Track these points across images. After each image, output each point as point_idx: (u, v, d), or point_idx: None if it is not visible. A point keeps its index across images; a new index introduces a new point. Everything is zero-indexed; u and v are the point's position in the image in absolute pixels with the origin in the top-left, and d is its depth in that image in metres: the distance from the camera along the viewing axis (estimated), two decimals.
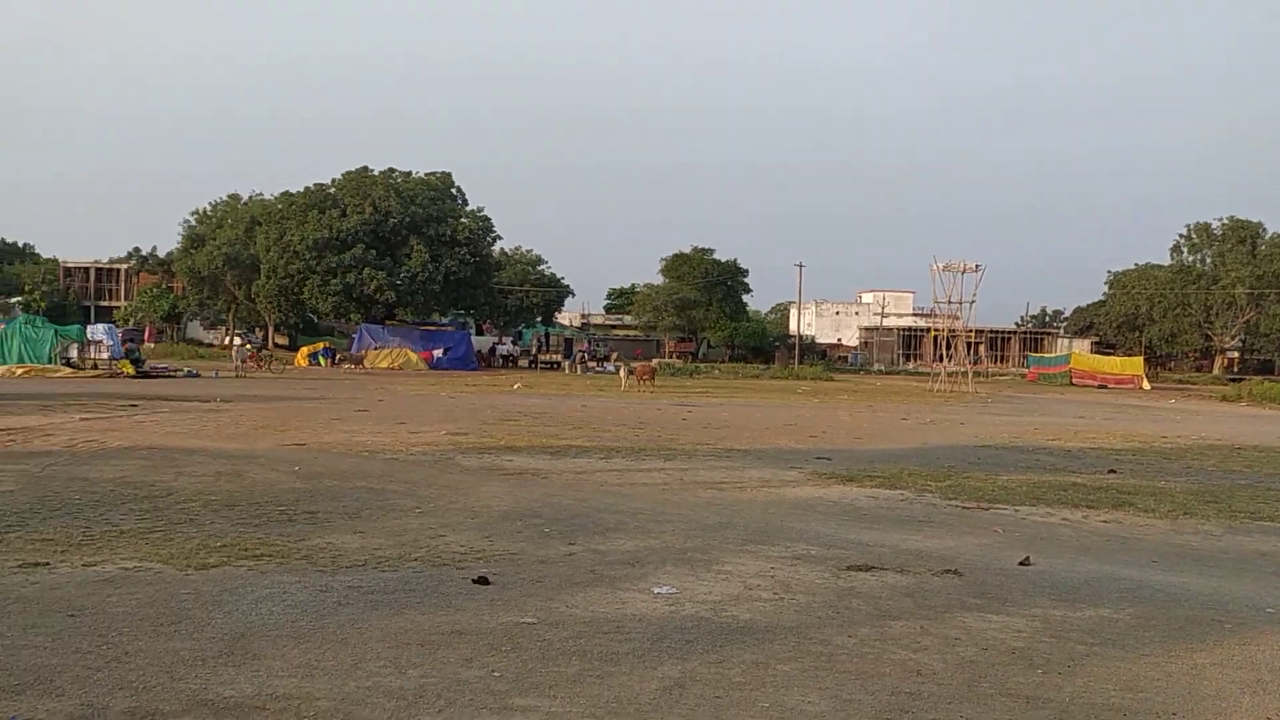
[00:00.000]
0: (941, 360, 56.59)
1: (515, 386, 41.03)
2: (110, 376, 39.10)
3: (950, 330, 56.43)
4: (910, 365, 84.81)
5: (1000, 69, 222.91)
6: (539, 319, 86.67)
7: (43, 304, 75.56)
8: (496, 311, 76.76)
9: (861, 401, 37.82)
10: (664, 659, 6.08)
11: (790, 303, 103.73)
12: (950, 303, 54.32)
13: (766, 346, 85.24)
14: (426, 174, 65.11)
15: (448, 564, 8.44)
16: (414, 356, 58.18)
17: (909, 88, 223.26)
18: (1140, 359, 69.54)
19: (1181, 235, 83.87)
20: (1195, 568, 9.52)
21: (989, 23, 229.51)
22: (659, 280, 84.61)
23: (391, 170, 64.48)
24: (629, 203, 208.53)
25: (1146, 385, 63.17)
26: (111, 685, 5.35)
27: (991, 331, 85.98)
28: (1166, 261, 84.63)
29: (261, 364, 50.41)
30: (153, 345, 64.88)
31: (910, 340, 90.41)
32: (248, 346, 53.89)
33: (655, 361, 59.23)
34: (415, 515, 10.72)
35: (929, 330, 74.13)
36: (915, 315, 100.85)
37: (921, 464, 17.02)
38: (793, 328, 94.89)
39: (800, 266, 79.04)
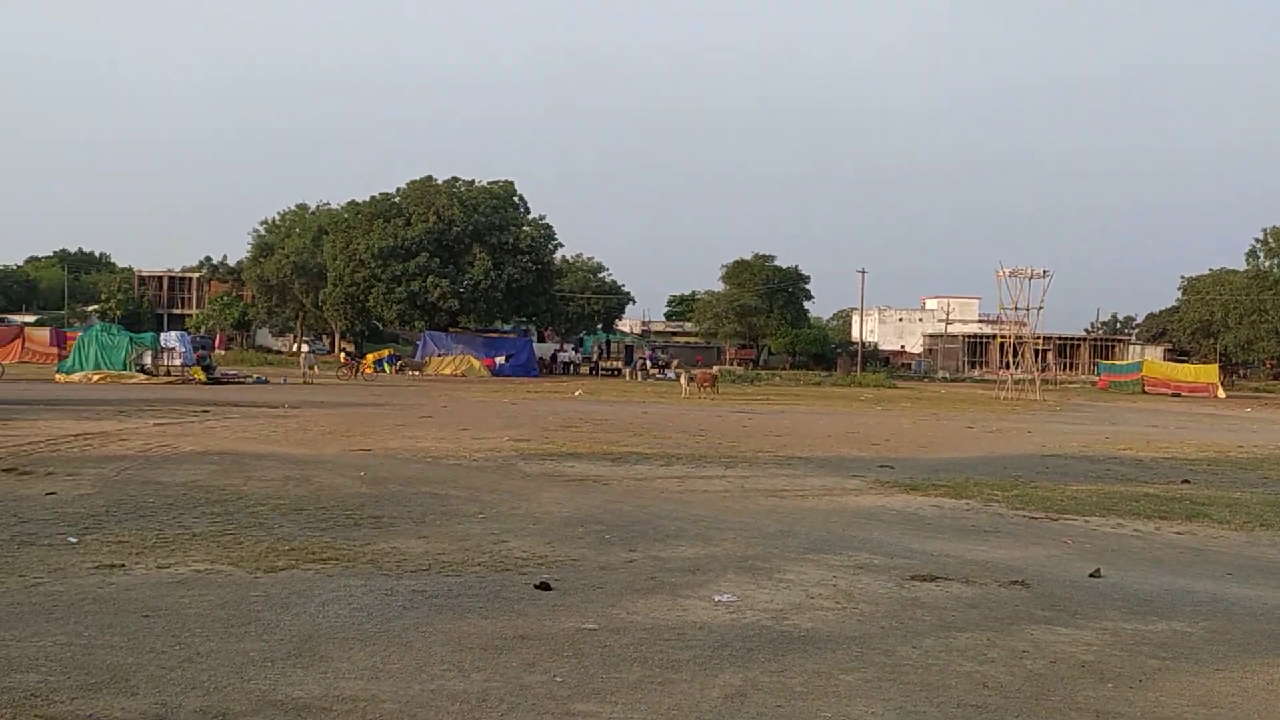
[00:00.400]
0: (1008, 368, 55.69)
1: (576, 393, 41.19)
2: (183, 383, 40.05)
3: (1017, 337, 55.52)
4: (976, 373, 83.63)
5: (1068, 56, 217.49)
6: (600, 326, 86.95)
7: (118, 312, 77.75)
8: (558, 319, 77.21)
9: (925, 409, 37.49)
10: (725, 667, 6.06)
11: (852, 309, 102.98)
12: (1017, 309, 53.48)
13: (828, 353, 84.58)
14: (489, 183, 65.81)
15: (510, 569, 8.47)
16: (477, 363, 58.83)
17: (970, 77, 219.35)
18: (1215, 367, 67.84)
19: (1258, 240, 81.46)
20: (1272, 581, 9.27)
21: (1056, 6, 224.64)
22: (720, 287, 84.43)
23: (455, 179, 65.27)
24: (690, 210, 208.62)
25: (1221, 394, 61.59)
26: (184, 685, 5.46)
27: (1060, 338, 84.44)
28: (1242, 266, 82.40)
29: (354, 371, 51.37)
30: (223, 352, 66.36)
31: (976, 347, 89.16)
32: (352, 355, 54.65)
33: (716, 368, 59.30)
34: (478, 520, 10.81)
35: (995, 337, 73.01)
36: (981, 322, 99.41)
37: (987, 473, 16.81)
38: (855, 334, 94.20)
39: (863, 273, 79.16)
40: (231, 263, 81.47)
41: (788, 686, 5.77)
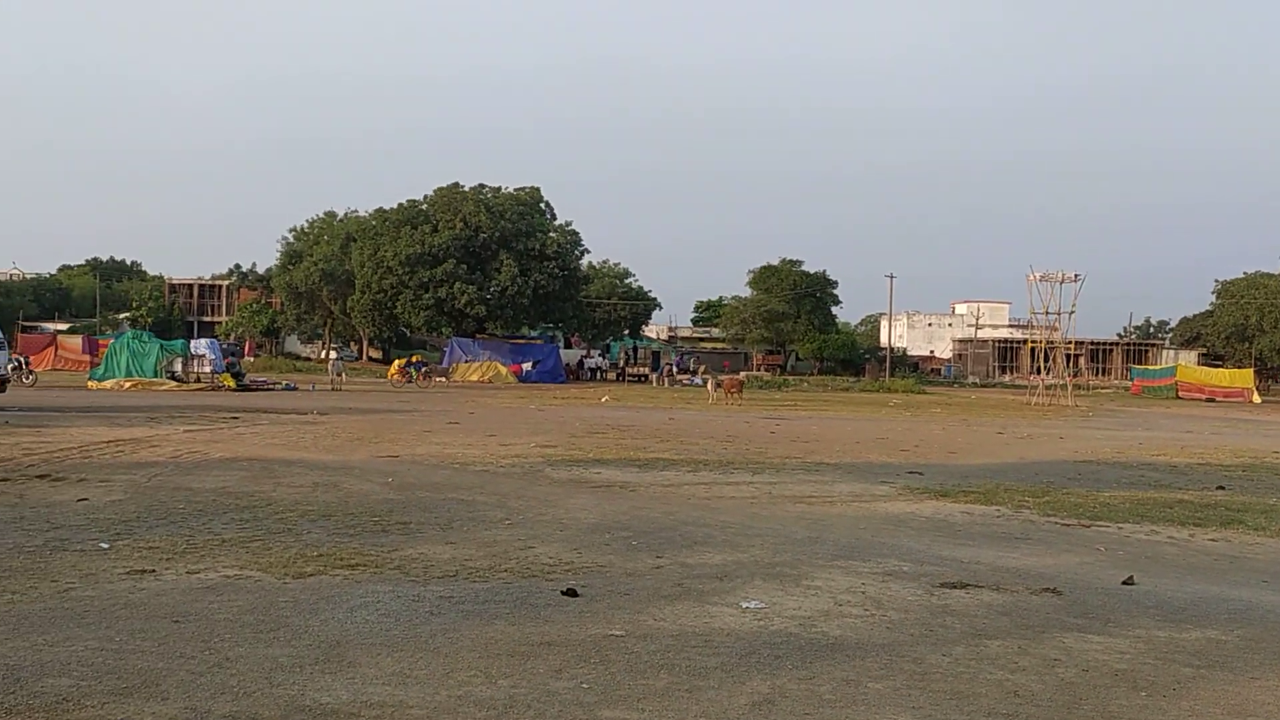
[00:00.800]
0: (1039, 373, 55.27)
1: (603, 399, 41.29)
2: (212, 390, 40.49)
3: (1048, 342, 55.07)
4: (1006, 378, 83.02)
5: (1101, 55, 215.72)
6: (626, 332, 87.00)
7: (149, 319, 78.56)
8: (584, 325, 77.39)
9: (955, 415, 37.33)
10: (753, 674, 6.04)
11: (881, 314, 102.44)
12: (1048, 314, 53.08)
13: (856, 359, 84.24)
14: (515, 189, 66.14)
15: (537, 575, 8.51)
16: (503, 370, 59.02)
17: (1000, 78, 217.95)
18: (1250, 371, 67.00)
19: None
20: None
21: (1084, 7, 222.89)
22: (747, 293, 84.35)
23: (482, 186, 65.66)
24: (717, 215, 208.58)
25: (1257, 398, 60.83)
26: (214, 690, 5.51)
27: (1093, 343, 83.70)
28: (1277, 269, 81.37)
29: (424, 379, 51.81)
30: (252, 359, 66.81)
31: (1006, 352, 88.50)
32: (414, 364, 54.78)
33: (743, 374, 59.22)
34: (505, 527, 10.85)
35: (1026, 342, 72.44)
36: (1011, 326, 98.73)
37: (1018, 479, 16.70)
38: (883, 340, 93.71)
39: (891, 278, 78.12)
40: (260, 270, 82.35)
41: (816, 694, 5.74)
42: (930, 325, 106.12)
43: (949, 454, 21.31)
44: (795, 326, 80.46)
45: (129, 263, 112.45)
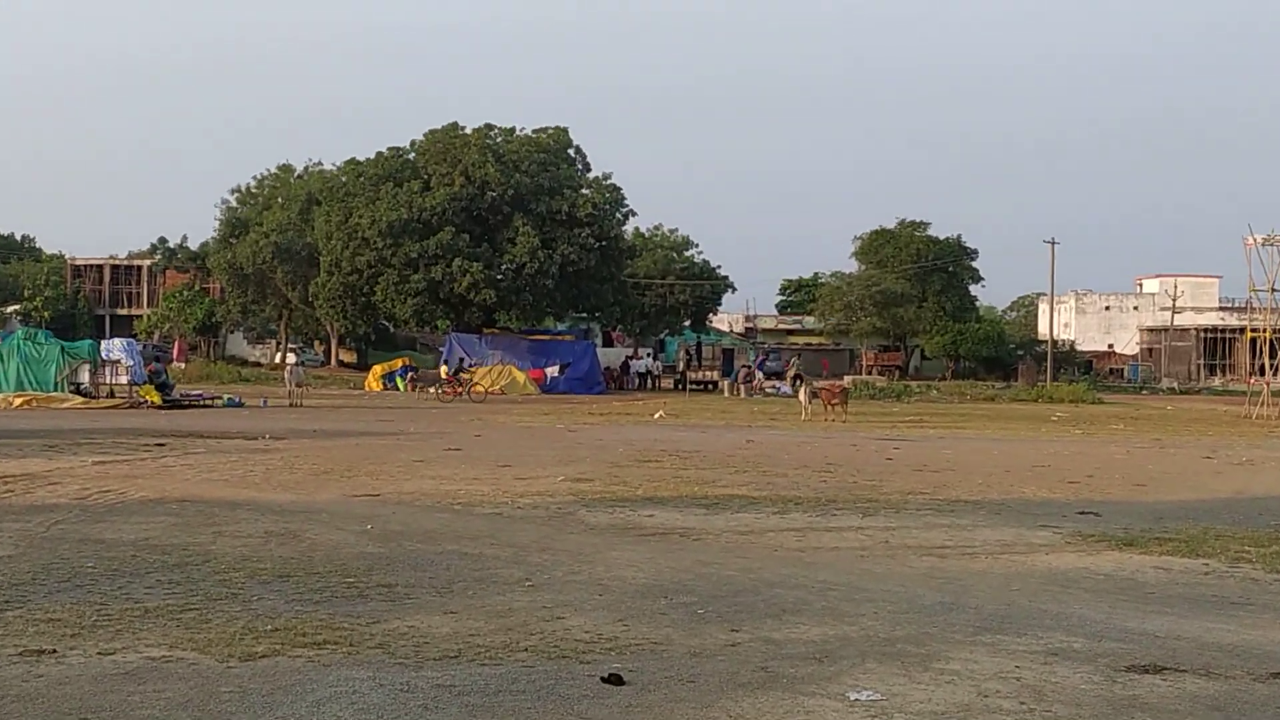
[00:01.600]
0: (1263, 373, 54.37)
1: (657, 415, 41.43)
2: (131, 407, 40.90)
3: (1276, 330, 54.20)
4: (1216, 381, 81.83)
5: None
6: (687, 324, 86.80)
7: (46, 314, 79.81)
8: (630, 314, 77.11)
9: (1144, 433, 36.94)
10: None
11: (1039, 295, 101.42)
12: (1274, 291, 52.21)
13: (1005, 357, 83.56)
14: (535, 131, 66.23)
15: (568, 656, 8.54)
16: (520, 376, 59.01)
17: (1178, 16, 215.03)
18: None
19: None
20: None
21: None
22: (852, 267, 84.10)
23: (489, 128, 65.82)
24: (805, 161, 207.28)
25: None
26: None
27: None
28: None
29: (461, 389, 52.10)
30: (184, 366, 67.74)
31: (1216, 345, 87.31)
32: (450, 370, 55.37)
33: (848, 379, 58.95)
34: (524, 590, 10.86)
35: (1244, 331, 71.34)
36: (1223, 309, 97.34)
37: (1235, 522, 16.49)
38: (1042, 330, 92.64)
39: (1052, 244, 77.19)
40: (193, 246, 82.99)
41: None
42: (1107, 309, 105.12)
43: (1136, 487, 21.16)
44: (920, 313, 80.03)
45: (18, 238, 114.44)
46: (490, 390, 55.48)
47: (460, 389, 52.09)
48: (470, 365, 56.15)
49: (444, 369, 55.37)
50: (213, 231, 77.76)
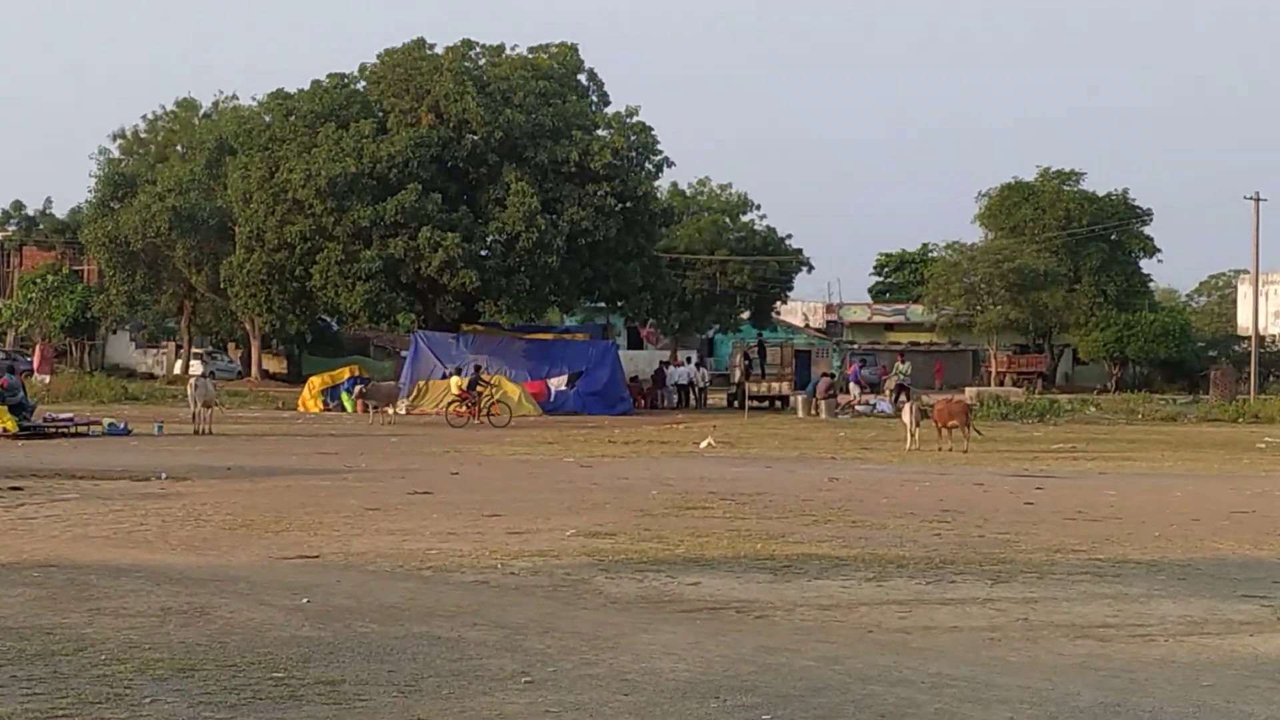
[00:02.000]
0: None
1: (704, 445, 37.70)
2: None
3: None
4: None
5: None
6: (746, 316, 77.37)
7: None
8: (665, 303, 68.40)
9: None
10: None
11: (1237, 274, 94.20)
12: None
13: (1191, 359, 76.29)
14: (532, 50, 57.92)
15: None
16: (514, 389, 52.32)
17: None
18: None
19: None
20: None
21: None
22: (976, 236, 76.73)
23: (468, 45, 57.00)
24: (907, 95, 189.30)
25: None
26: None
27: None
28: None
29: (478, 408, 46.20)
30: (48, 379, 61.67)
31: None
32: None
33: (971, 392, 54.62)
34: (520, 689, 9.84)
35: None
36: None
37: None
38: (1243, 321, 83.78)
39: (1257, 200, 68.47)
40: (61, 214, 76.85)
41: None
42: None
43: None
44: (1071, 299, 72.64)
45: None
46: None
47: (477, 408, 46.25)
48: (490, 371, 49.93)
49: (455, 380, 49.29)
50: (88, 193, 71.62)
